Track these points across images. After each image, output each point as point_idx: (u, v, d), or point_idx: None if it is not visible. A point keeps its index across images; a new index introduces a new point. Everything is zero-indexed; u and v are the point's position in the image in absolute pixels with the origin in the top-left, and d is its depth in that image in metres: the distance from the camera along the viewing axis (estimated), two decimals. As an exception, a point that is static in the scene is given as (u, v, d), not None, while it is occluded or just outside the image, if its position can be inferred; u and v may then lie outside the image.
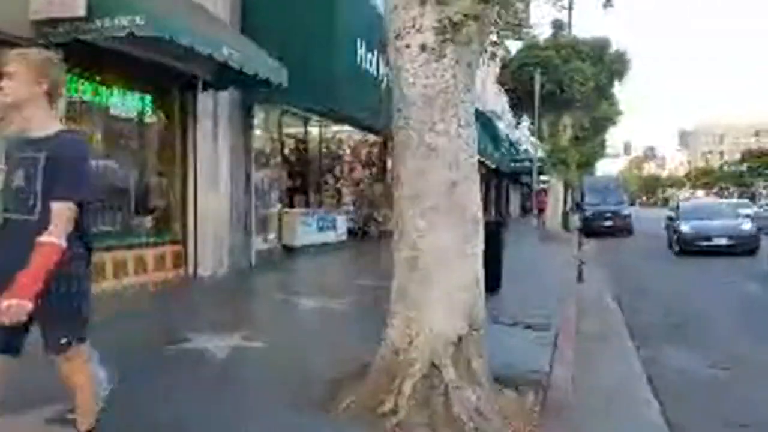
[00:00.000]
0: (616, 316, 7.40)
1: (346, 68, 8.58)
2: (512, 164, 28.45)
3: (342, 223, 13.18)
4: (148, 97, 7.56)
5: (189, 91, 7.74)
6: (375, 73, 10.16)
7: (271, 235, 10.37)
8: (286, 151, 12.49)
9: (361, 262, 11.46)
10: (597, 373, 4.84)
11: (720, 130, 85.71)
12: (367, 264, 11.21)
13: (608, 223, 22.30)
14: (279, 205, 10.96)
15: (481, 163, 23.13)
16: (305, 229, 11.58)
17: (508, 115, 35.05)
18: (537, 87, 15.90)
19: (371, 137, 15.83)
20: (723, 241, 13.00)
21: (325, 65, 8.03)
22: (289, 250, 10.90)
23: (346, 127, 14.83)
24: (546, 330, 5.71)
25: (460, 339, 3.39)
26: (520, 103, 19.17)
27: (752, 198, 60.97)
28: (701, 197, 74.35)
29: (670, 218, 16.47)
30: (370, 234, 14.93)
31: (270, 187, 10.83)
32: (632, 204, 29.42)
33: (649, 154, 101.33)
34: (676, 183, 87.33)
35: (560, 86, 16.76)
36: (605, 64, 16.81)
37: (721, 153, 79.29)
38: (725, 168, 66.12)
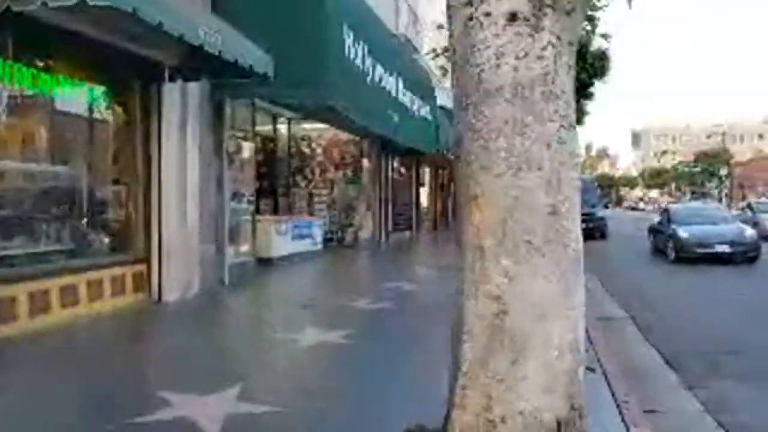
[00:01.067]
0: (636, 340, 6.64)
1: (338, 59, 7.53)
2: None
3: (318, 231, 12.10)
4: (102, 89, 6.33)
5: (153, 82, 6.54)
6: (369, 70, 9.16)
7: (244, 247, 9.22)
8: (257, 151, 11.32)
9: (344, 275, 10.43)
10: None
11: (672, 131, 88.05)
12: (352, 277, 10.23)
13: (582, 226, 21.81)
14: (252, 213, 9.80)
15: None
16: (280, 238, 10.46)
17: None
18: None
19: (344, 135, 14.78)
20: (725, 249, 12.40)
21: (315, 55, 6.97)
22: (263, 263, 9.76)
23: (318, 125, 13.75)
24: (591, 371, 4.83)
25: (559, 425, 2.45)
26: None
27: (703, 197, 62.90)
28: (658, 197, 76.33)
29: (659, 222, 15.97)
30: (346, 241, 13.89)
31: (243, 193, 9.67)
32: (606, 206, 29.30)
33: (602, 154, 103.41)
34: (629, 183, 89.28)
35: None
36: (586, 62, 16.27)
37: (674, 153, 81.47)
38: (679, 168, 67.71)
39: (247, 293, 7.76)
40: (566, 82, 2.52)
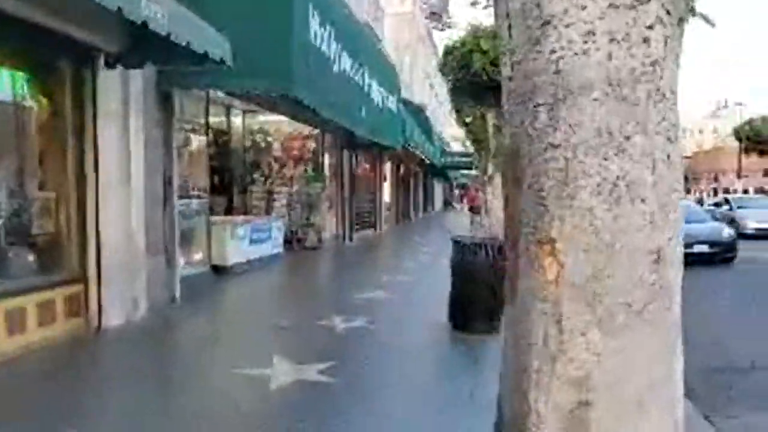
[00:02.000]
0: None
1: (304, 45, 6.65)
2: (443, 159, 27.32)
3: (277, 233, 11.18)
4: (22, 75, 5.29)
5: (86, 68, 5.53)
6: (336, 57, 8.30)
7: (198, 255, 8.26)
8: (210, 145, 10.29)
9: (311, 285, 9.55)
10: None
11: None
12: (319, 287, 9.39)
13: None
14: (205, 215, 8.82)
15: (421, 160, 21.61)
16: (238, 243, 9.51)
17: (436, 107, 34.07)
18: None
19: (304, 128, 13.84)
20: (705, 249, 11.80)
21: (279, 39, 6.08)
22: (219, 272, 8.81)
23: (275, 117, 12.79)
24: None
25: None
26: (461, 94, 17.82)
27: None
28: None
29: None
30: (307, 242, 13.00)
31: (195, 194, 8.68)
32: None
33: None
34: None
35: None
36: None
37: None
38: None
39: (202, 313, 6.82)
40: (675, 77, 1.79)
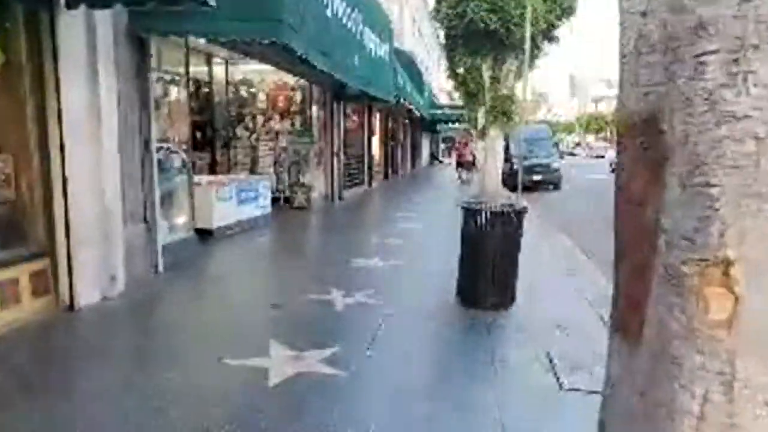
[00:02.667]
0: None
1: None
2: (432, 111, 26.46)
3: (265, 191, 10.50)
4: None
5: (43, 8, 4.72)
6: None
7: (181, 219, 7.58)
8: (191, 98, 9.47)
9: (303, 250, 8.96)
10: None
11: (610, 76, 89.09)
12: (312, 254, 8.83)
13: (537, 177, 21.17)
14: (188, 174, 8.11)
15: (409, 111, 20.76)
16: (223, 204, 8.86)
17: (424, 57, 33.01)
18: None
19: (291, 78, 12.98)
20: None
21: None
22: (204, 236, 8.19)
23: (259, 66, 11.93)
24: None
25: None
26: (455, 43, 16.95)
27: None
28: (593, 142, 77.56)
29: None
30: (296, 202, 12.36)
31: (175, 150, 7.93)
32: (561, 157, 28.76)
33: (540, 100, 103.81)
34: (567, 128, 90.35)
35: (506, 26, 14.68)
36: (556, 1, 14.97)
37: (608, 99, 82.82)
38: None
39: (188, 286, 6.23)
40: None
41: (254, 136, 13.12)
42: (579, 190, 21.27)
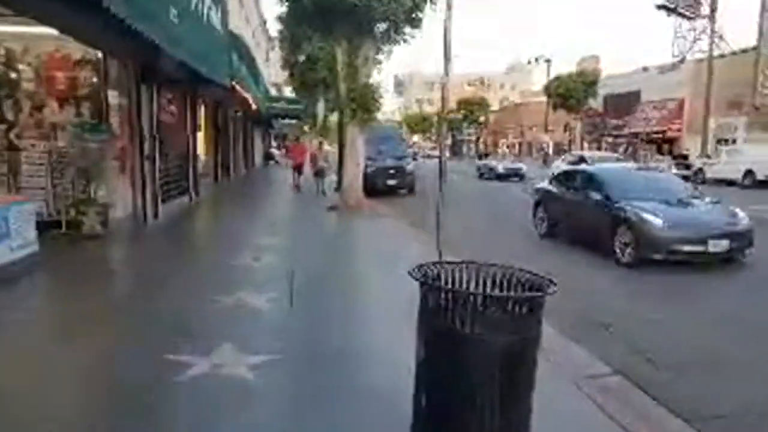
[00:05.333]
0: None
1: None
2: (268, 105, 23.02)
3: (26, 221, 6.55)
4: None
5: None
6: None
7: None
8: None
9: (75, 336, 5.13)
10: None
11: (434, 79, 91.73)
12: (92, 347, 4.98)
13: (392, 182, 19.00)
14: None
15: (242, 103, 17.02)
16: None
17: (253, 46, 29.45)
18: None
19: (74, 47, 8.94)
20: (722, 246, 7.70)
21: None
22: None
23: (26, 28, 7.90)
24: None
25: None
26: (300, 21, 13.91)
27: (460, 143, 66.34)
28: (420, 141, 79.03)
29: (568, 188, 10.30)
30: (85, 228, 8.41)
31: None
32: (414, 158, 27.01)
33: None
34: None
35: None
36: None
37: (429, 100, 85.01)
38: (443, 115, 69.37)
39: None
40: None
41: (15, 131, 8.82)
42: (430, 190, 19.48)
